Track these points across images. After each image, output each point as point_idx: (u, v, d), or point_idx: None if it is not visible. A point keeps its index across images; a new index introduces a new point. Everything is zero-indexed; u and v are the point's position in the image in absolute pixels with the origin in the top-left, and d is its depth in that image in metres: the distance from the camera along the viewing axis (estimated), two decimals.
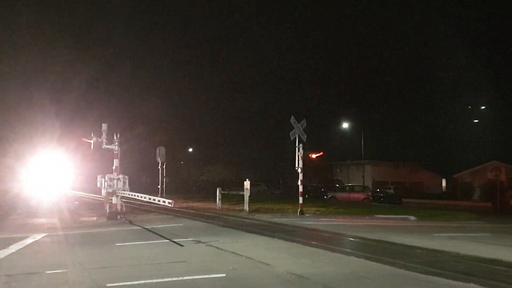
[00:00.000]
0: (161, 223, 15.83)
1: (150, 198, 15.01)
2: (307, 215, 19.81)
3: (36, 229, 13.73)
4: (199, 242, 10.80)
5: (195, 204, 26.03)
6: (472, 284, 6.62)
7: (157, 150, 34.24)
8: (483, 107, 51.42)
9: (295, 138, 20.57)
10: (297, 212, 20.34)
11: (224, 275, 7.09)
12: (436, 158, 58.53)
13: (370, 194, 37.09)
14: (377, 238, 11.59)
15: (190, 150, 65.42)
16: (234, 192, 25.00)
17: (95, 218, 17.46)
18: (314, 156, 20.68)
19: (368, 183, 46.49)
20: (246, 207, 20.98)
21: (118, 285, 6.54)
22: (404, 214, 21.29)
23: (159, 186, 36.28)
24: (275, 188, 49.20)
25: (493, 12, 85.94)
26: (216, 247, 9.97)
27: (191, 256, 8.96)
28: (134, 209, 21.85)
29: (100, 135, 17.38)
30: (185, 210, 21.47)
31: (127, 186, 17.43)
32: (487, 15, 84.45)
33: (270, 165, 60.69)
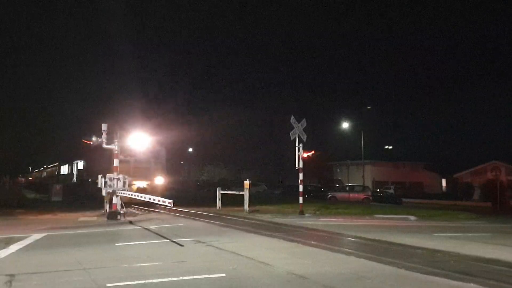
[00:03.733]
0: (161, 223, 15.83)
1: (150, 198, 14.97)
2: (307, 215, 19.82)
3: (36, 228, 13.72)
4: (199, 242, 10.80)
5: (195, 204, 26.00)
6: (472, 284, 6.62)
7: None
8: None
9: (295, 138, 20.58)
10: (297, 212, 20.35)
11: (224, 275, 7.09)
12: (436, 158, 58.65)
13: (370, 194, 37.14)
14: (377, 238, 11.59)
15: (190, 150, 65.39)
16: (234, 192, 24.95)
17: (95, 218, 17.45)
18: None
19: (368, 183, 46.52)
20: (246, 207, 20.97)
21: (118, 285, 6.54)
22: (404, 214, 21.31)
23: None
24: (275, 188, 49.25)
25: (495, 11, 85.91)
26: (216, 247, 9.97)
27: (191, 256, 8.96)
28: (134, 209, 21.86)
29: (100, 135, 17.43)
30: (185, 210, 21.45)
31: (127, 186, 17.44)
32: (491, 15, 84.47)
33: (270, 165, 60.71)
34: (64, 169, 41.50)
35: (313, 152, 23.75)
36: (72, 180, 36.74)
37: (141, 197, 16.05)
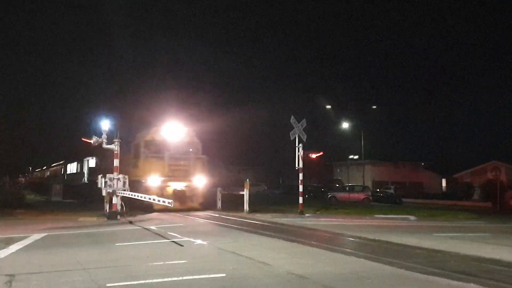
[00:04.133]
0: (161, 223, 15.83)
1: (150, 198, 14.97)
2: (307, 215, 19.82)
3: (36, 228, 13.72)
4: (199, 242, 10.81)
5: (195, 204, 25.97)
6: (472, 284, 6.62)
7: None
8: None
9: (295, 138, 20.59)
10: (297, 212, 20.36)
11: (224, 275, 7.09)
12: (436, 158, 58.74)
13: (370, 194, 37.17)
14: (377, 238, 11.60)
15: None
16: (234, 192, 24.92)
17: (95, 218, 17.45)
18: (314, 156, 20.63)
19: (368, 183, 46.53)
20: (246, 207, 20.97)
21: (118, 285, 6.54)
22: (404, 214, 21.33)
23: None
24: (275, 188, 49.26)
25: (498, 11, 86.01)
26: (216, 247, 9.98)
27: (191, 256, 8.96)
28: (134, 209, 21.75)
29: (100, 135, 17.45)
30: (185, 210, 21.43)
31: (127, 186, 17.43)
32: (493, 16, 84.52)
33: (270, 165, 60.70)
34: (72, 168, 36.57)
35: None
36: (82, 180, 31.86)
37: (141, 197, 16.04)
